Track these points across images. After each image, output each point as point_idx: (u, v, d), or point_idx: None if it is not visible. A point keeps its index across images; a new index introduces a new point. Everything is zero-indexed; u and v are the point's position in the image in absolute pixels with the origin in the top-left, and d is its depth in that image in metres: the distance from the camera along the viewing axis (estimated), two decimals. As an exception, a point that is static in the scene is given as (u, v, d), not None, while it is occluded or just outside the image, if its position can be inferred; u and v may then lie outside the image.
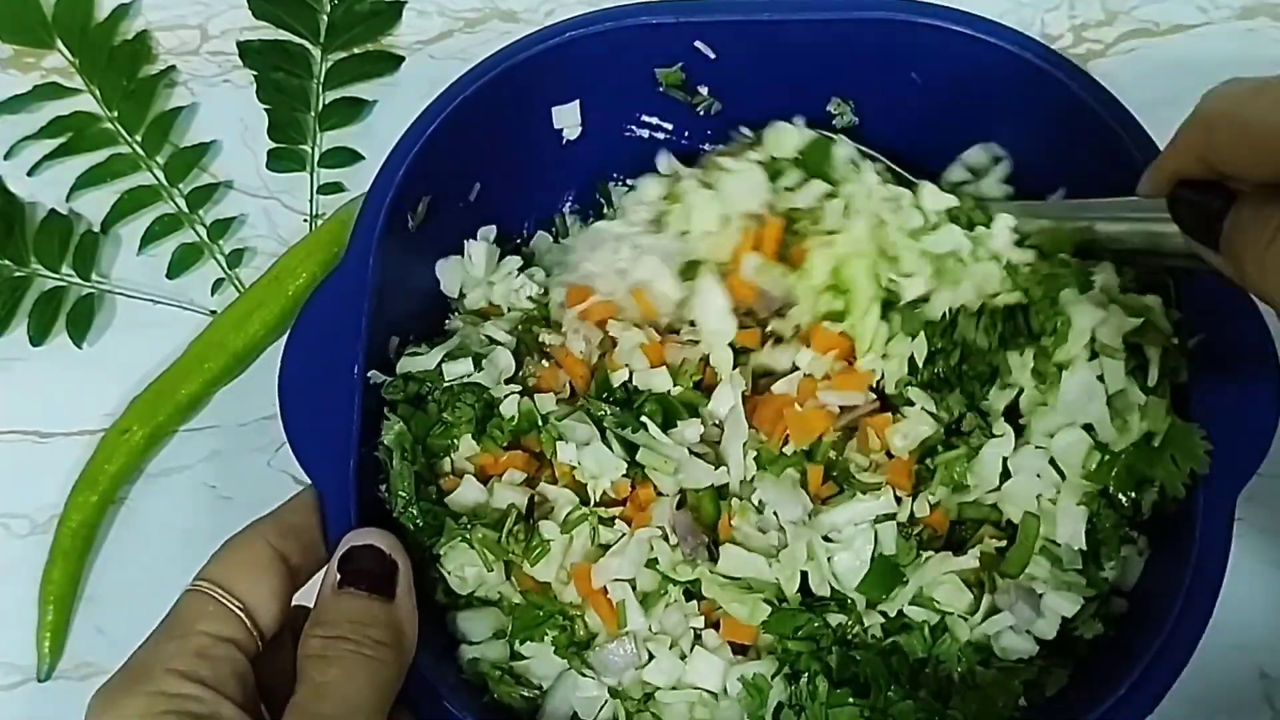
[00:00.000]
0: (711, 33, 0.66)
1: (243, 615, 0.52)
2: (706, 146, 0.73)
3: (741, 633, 0.59)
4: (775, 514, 0.59)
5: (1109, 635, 0.60)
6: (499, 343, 0.65)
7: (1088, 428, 0.58)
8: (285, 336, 0.62)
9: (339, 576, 0.54)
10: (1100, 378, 0.58)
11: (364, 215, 0.62)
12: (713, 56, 0.68)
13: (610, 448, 0.61)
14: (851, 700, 0.57)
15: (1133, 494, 0.59)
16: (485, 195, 0.70)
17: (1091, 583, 0.59)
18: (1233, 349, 0.58)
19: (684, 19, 0.66)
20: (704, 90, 0.70)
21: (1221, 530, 0.55)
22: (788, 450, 0.61)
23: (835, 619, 0.58)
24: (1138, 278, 0.60)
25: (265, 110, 0.79)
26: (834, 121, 0.70)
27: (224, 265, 0.77)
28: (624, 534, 0.59)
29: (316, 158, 0.78)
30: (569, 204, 0.74)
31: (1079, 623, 0.59)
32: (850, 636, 0.59)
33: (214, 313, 0.76)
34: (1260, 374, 0.57)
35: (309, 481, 0.59)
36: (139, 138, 0.79)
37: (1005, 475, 0.60)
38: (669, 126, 0.72)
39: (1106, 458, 0.58)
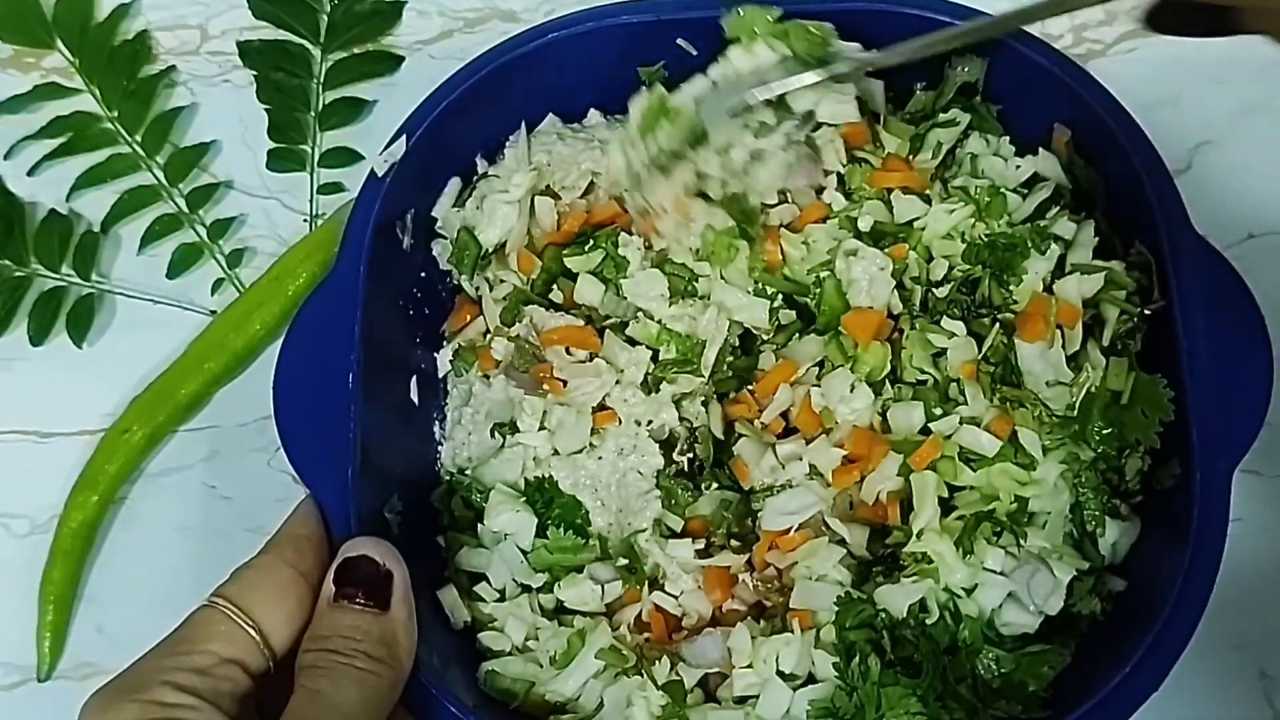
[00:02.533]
0: (692, 30, 0.66)
1: (255, 635, 0.52)
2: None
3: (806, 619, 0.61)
4: None
5: (1109, 616, 0.60)
6: None
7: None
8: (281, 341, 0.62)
9: (334, 589, 0.54)
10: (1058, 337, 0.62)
11: (353, 222, 0.62)
12: (695, 53, 0.67)
13: None
14: (902, 681, 0.58)
15: (1115, 460, 0.61)
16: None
17: (1086, 555, 0.60)
18: (1225, 326, 0.58)
19: (666, 17, 0.66)
20: None
21: (1219, 508, 0.56)
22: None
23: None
24: (1101, 246, 0.63)
25: (265, 110, 0.79)
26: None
27: (224, 265, 0.77)
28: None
29: (316, 158, 0.78)
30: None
31: (1077, 598, 0.60)
32: (899, 622, 0.60)
33: (214, 313, 0.76)
34: (1251, 351, 0.58)
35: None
36: (139, 138, 0.79)
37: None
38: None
39: (1078, 409, 0.61)
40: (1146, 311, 0.61)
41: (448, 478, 0.68)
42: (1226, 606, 0.55)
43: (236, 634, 0.52)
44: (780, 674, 0.59)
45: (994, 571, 0.60)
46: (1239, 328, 0.58)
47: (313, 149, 0.79)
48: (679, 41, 0.67)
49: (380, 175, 0.63)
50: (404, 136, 0.63)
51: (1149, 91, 0.69)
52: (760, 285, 0.66)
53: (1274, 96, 0.77)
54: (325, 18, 0.80)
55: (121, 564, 0.72)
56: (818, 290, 0.65)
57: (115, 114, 0.79)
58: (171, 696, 0.49)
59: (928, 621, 0.60)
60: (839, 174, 0.67)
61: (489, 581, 0.64)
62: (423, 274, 0.69)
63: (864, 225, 0.65)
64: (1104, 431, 0.60)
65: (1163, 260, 0.60)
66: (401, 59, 0.81)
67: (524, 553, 0.64)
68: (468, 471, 0.67)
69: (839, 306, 0.64)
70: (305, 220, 0.78)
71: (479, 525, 0.65)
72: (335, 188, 0.78)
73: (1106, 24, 0.79)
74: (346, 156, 0.78)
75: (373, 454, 0.60)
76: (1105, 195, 0.65)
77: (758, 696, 0.59)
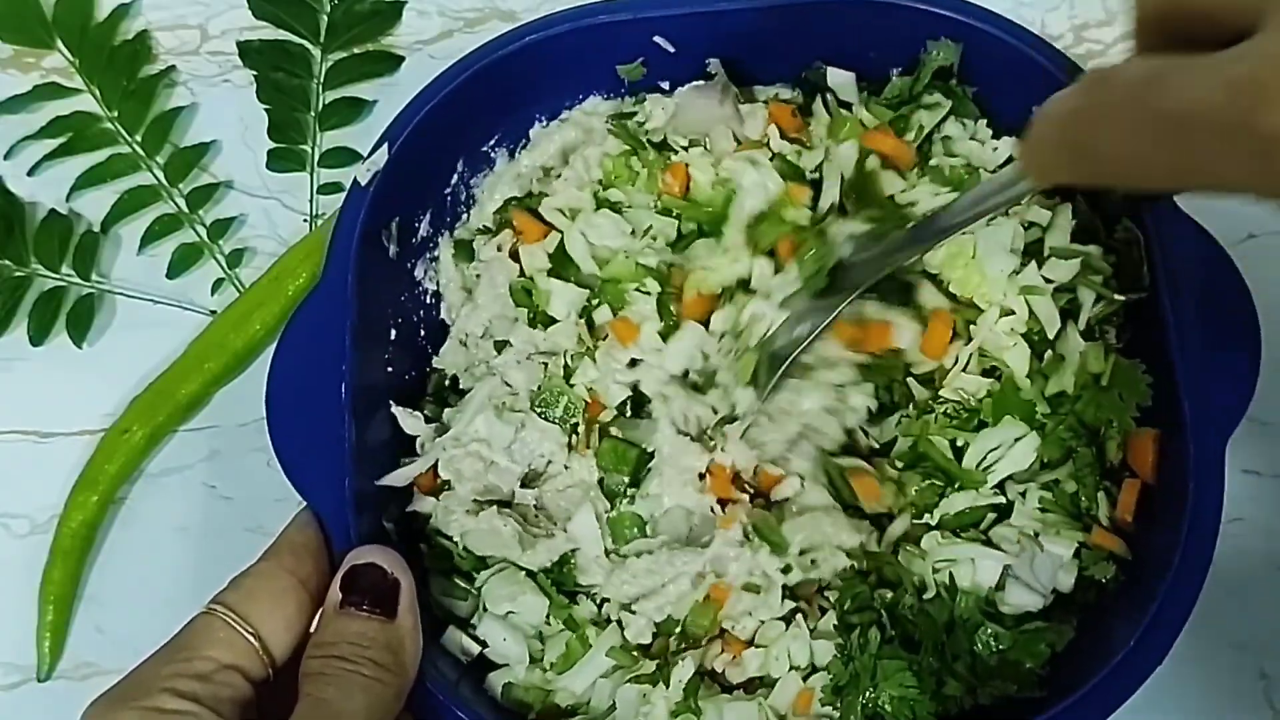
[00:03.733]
0: (669, 27, 0.67)
1: (254, 642, 0.52)
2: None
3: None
4: None
5: (1111, 591, 0.60)
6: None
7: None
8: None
9: (340, 596, 0.54)
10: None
11: (338, 233, 0.62)
12: (672, 50, 0.68)
13: None
14: (900, 655, 0.58)
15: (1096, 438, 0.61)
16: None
17: (1086, 525, 0.60)
18: (1209, 291, 0.59)
19: (641, 15, 0.66)
20: (666, 85, 0.70)
21: (1214, 479, 0.56)
22: None
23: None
24: (1082, 229, 0.64)
25: (265, 110, 0.79)
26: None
27: (224, 265, 0.77)
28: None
29: (316, 158, 0.78)
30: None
31: (1089, 563, 0.60)
32: (899, 604, 0.60)
33: (214, 313, 0.76)
34: (1238, 321, 0.58)
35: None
36: (139, 138, 0.79)
37: None
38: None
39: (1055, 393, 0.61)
40: (1118, 297, 0.62)
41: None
42: (1227, 607, 0.55)
43: (236, 641, 0.52)
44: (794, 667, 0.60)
45: (982, 543, 0.60)
46: (1224, 293, 0.58)
47: (313, 149, 0.79)
48: (656, 39, 0.67)
49: (364, 184, 0.63)
50: (385, 144, 0.63)
51: (1149, 91, 0.69)
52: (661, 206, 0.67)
53: (1274, 96, 0.77)
54: (325, 18, 0.80)
55: (121, 564, 0.72)
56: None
57: (115, 114, 0.79)
58: (171, 703, 0.49)
59: (926, 596, 0.60)
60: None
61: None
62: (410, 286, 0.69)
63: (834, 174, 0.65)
64: (1089, 407, 0.61)
65: (1146, 232, 0.60)
66: (401, 59, 0.81)
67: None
68: (455, 539, 0.63)
69: (723, 215, 0.65)
70: (305, 220, 0.78)
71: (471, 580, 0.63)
72: (335, 188, 0.78)
73: (1107, 24, 0.79)
74: (346, 156, 0.78)
75: (369, 465, 0.60)
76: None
77: (769, 685, 0.60)
